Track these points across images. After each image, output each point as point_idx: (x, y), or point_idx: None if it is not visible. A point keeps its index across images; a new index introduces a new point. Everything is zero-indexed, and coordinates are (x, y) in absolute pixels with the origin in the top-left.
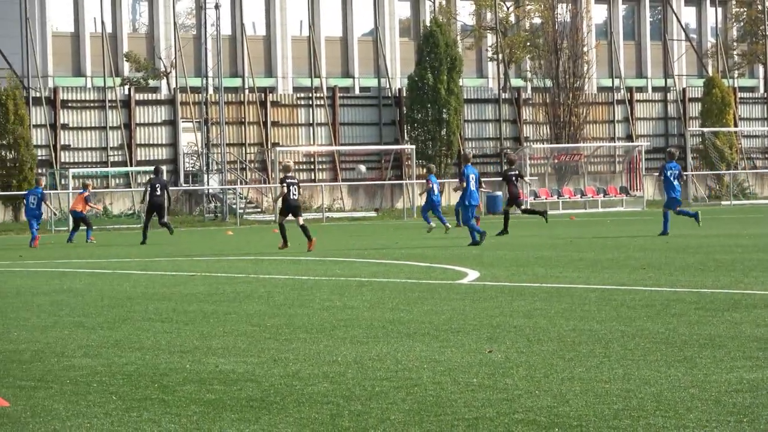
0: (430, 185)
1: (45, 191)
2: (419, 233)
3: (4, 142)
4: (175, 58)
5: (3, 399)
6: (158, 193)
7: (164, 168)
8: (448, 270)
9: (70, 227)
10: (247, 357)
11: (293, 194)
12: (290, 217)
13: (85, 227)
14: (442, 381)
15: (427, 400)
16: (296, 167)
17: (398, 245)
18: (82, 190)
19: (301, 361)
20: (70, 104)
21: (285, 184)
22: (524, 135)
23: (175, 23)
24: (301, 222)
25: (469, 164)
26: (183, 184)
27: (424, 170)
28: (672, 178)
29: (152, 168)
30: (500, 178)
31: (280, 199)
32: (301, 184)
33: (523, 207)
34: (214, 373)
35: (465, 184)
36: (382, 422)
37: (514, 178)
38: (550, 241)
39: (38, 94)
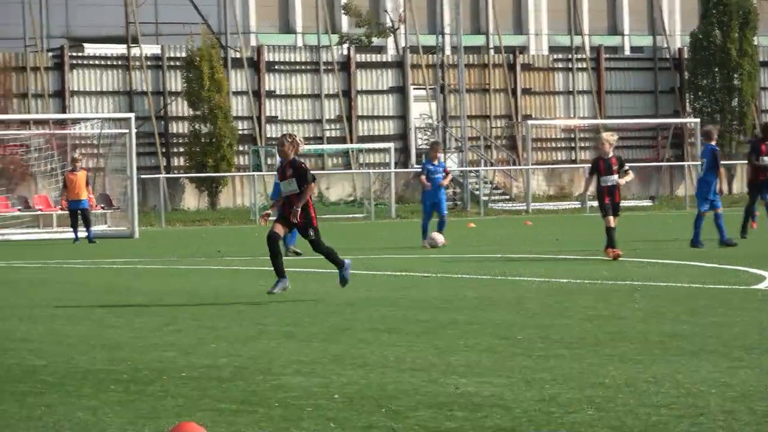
0: None
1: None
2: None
3: (198, 112)
4: (404, 10)
5: (198, 425)
6: None
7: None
8: (742, 272)
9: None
10: (494, 377)
11: None
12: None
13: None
14: (735, 409)
15: None
16: (553, 144)
17: (677, 240)
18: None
19: (559, 383)
20: (277, 67)
21: None
22: None
23: None
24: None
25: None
26: (415, 166)
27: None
28: None
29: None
30: None
31: None
32: (558, 166)
33: None
34: (454, 397)
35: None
36: None
37: None
38: None
39: (239, 55)
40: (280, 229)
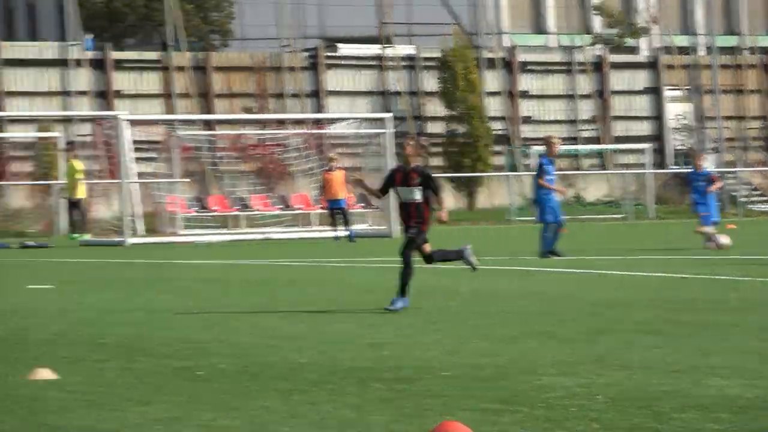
0: None
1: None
2: None
3: (453, 113)
4: (657, 10)
5: (462, 424)
6: None
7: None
8: None
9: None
10: (759, 379)
11: None
12: None
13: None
14: None
15: None
16: None
17: None
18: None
19: None
20: (530, 67)
21: None
22: None
23: None
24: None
25: None
26: (671, 166)
27: None
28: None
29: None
30: None
31: None
32: None
33: None
34: (719, 399)
35: None
36: None
37: None
38: None
39: (492, 55)
40: (426, 249)
